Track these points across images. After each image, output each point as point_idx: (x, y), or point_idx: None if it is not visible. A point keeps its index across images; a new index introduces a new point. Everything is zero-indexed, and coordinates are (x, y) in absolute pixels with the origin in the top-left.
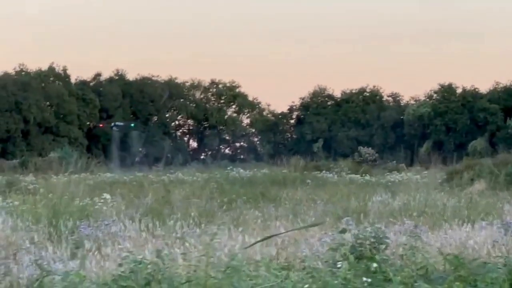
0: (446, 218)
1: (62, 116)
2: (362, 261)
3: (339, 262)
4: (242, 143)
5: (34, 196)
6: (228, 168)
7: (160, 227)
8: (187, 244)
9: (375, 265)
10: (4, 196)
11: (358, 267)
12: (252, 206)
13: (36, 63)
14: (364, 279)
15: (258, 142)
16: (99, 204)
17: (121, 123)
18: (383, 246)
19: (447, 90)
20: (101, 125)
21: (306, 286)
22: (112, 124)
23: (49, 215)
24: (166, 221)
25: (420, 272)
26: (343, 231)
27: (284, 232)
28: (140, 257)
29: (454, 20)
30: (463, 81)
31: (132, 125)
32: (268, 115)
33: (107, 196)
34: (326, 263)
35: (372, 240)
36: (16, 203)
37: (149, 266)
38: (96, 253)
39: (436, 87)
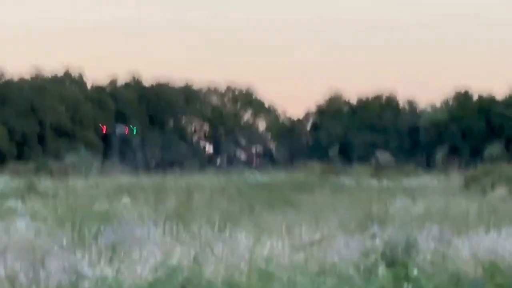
0: (470, 224)
1: (78, 120)
2: (393, 267)
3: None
4: (257, 148)
5: (53, 199)
6: (245, 173)
7: (185, 231)
8: (214, 249)
9: (415, 271)
10: (23, 200)
11: (390, 273)
12: (273, 211)
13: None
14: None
15: (273, 147)
16: (119, 208)
17: (123, 127)
18: (414, 252)
19: (463, 96)
20: (103, 129)
21: None
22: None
23: (72, 219)
24: (190, 225)
25: (452, 279)
26: (373, 236)
27: (331, 236)
28: (174, 262)
29: (469, 26)
30: (479, 87)
31: (135, 129)
32: (284, 120)
33: (127, 200)
34: (357, 268)
35: (403, 246)
36: (36, 206)
37: (185, 271)
38: (124, 257)
39: (452, 92)
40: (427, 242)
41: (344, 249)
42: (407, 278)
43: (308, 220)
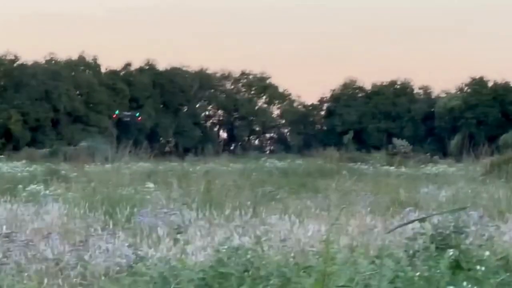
0: (503, 209)
1: (92, 105)
2: (442, 251)
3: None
4: (272, 134)
5: (76, 184)
6: (262, 159)
7: (219, 216)
8: (257, 232)
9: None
10: (46, 185)
11: (440, 256)
12: (297, 196)
13: (66, 52)
14: (478, 267)
15: (288, 134)
16: (144, 192)
17: (128, 113)
18: (464, 236)
19: (478, 83)
20: (114, 115)
21: (418, 273)
22: (122, 113)
23: (103, 203)
24: (222, 210)
25: (501, 262)
26: (423, 219)
27: (423, 217)
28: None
29: (487, 13)
30: (494, 74)
31: (137, 114)
32: (298, 107)
33: (150, 185)
34: (406, 252)
35: (453, 229)
36: (59, 191)
37: (249, 252)
38: (169, 240)
39: (467, 80)
40: (471, 226)
41: (381, 233)
42: (459, 261)
43: (337, 205)
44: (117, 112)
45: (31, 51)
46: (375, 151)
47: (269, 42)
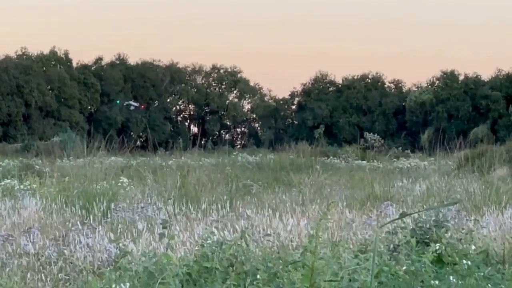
0: (478, 203)
1: (63, 100)
2: (423, 245)
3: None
4: (243, 129)
5: (51, 179)
6: (234, 153)
7: (195, 210)
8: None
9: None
10: (20, 179)
11: (421, 251)
12: (271, 191)
13: (38, 47)
14: (464, 261)
15: (259, 128)
16: (118, 187)
17: (132, 102)
18: (444, 230)
19: (449, 77)
20: (142, 106)
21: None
22: (126, 103)
23: (80, 197)
24: (198, 204)
25: (480, 257)
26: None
27: (420, 211)
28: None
29: (457, 7)
30: (465, 69)
31: (117, 101)
32: (270, 101)
33: (125, 179)
34: (387, 246)
35: (433, 224)
36: (34, 186)
37: (232, 247)
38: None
39: (438, 74)
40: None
41: (362, 227)
42: (442, 256)
43: (311, 199)
44: (118, 102)
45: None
46: (346, 145)
47: (240, 36)
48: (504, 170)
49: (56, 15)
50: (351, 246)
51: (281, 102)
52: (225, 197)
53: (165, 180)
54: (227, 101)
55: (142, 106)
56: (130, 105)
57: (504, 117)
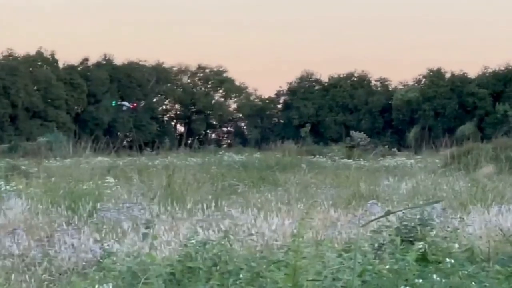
0: (464, 201)
1: (50, 100)
2: (408, 244)
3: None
4: (229, 128)
5: (37, 180)
6: (220, 153)
7: (181, 210)
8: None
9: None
10: (7, 180)
11: (406, 249)
12: (256, 190)
13: (24, 47)
14: (448, 260)
15: (245, 127)
16: (104, 187)
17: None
18: (429, 228)
19: (435, 75)
20: (134, 105)
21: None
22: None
23: (65, 198)
24: (183, 204)
25: (465, 255)
26: (388, 213)
27: (404, 209)
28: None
29: (443, 5)
30: (451, 66)
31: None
32: (255, 100)
33: (111, 179)
34: (372, 245)
35: (418, 222)
36: (21, 186)
37: (216, 246)
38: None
39: (424, 71)
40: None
41: (347, 226)
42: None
43: (297, 198)
44: (114, 103)
45: None
46: (333, 144)
47: (226, 35)
48: (490, 167)
49: (42, 16)
50: (336, 245)
51: (267, 101)
52: (210, 196)
53: (151, 180)
54: (213, 101)
55: (134, 105)
56: (123, 105)
57: (491, 114)
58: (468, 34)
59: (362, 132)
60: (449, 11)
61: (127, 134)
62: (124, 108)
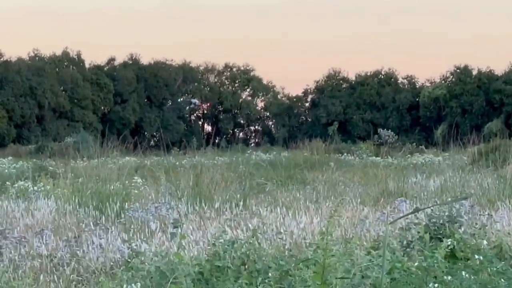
0: (492, 198)
1: (76, 101)
2: (436, 241)
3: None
4: (256, 127)
5: (64, 180)
6: (247, 152)
7: (209, 209)
8: (249, 225)
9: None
10: (34, 181)
11: (435, 246)
12: (284, 188)
13: (50, 48)
14: (476, 256)
15: (272, 126)
16: (132, 187)
17: (195, 101)
18: (457, 225)
19: (462, 72)
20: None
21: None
22: (188, 100)
23: (92, 198)
24: (212, 203)
25: (494, 251)
26: (416, 210)
27: (432, 206)
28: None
29: (470, 1)
30: (478, 63)
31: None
32: (283, 99)
33: (138, 179)
34: (400, 243)
35: (446, 219)
36: (49, 187)
37: (245, 245)
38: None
39: (451, 69)
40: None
41: (376, 224)
42: (455, 251)
43: (326, 197)
44: (194, 101)
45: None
46: (360, 142)
47: (253, 34)
48: None
49: (68, 17)
50: (364, 243)
51: (294, 99)
52: (238, 195)
53: (179, 180)
54: (241, 100)
55: (209, 104)
56: (191, 102)
57: None
58: (495, 30)
59: (389, 130)
60: (476, 8)
61: (154, 134)
62: (192, 105)
